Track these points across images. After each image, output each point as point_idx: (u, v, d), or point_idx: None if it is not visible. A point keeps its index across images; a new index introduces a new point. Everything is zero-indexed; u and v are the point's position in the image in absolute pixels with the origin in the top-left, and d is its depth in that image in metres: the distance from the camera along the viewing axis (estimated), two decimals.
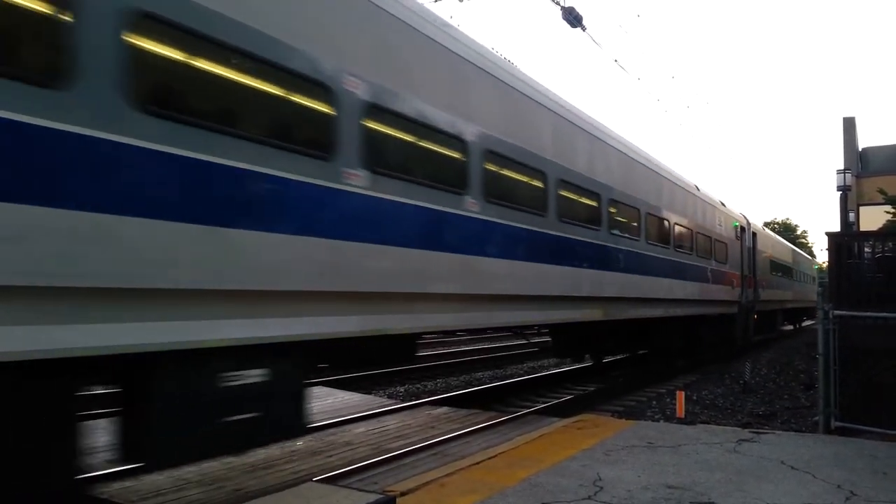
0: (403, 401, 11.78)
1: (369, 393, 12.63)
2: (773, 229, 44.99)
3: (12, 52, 3.65)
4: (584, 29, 13.80)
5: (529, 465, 5.95)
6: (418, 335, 7.63)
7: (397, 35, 6.47)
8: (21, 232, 3.49)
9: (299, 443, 8.46)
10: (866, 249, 10.74)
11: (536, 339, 14.50)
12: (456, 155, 7.24)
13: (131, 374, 4.41)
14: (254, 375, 4.96)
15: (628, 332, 13.35)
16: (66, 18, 3.74)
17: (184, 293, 4.39)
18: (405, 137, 6.63)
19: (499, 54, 9.06)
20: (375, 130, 6.03)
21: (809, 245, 74.32)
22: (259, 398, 5.00)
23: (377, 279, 6.00)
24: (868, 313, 8.74)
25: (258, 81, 4.99)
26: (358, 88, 5.78)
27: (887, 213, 16.42)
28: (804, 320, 40.07)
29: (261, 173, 4.82)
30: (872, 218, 20.75)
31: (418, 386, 14.53)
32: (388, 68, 6.24)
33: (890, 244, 10.61)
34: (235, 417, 4.82)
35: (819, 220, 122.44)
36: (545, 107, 9.29)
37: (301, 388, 5.58)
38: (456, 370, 16.93)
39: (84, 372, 4.11)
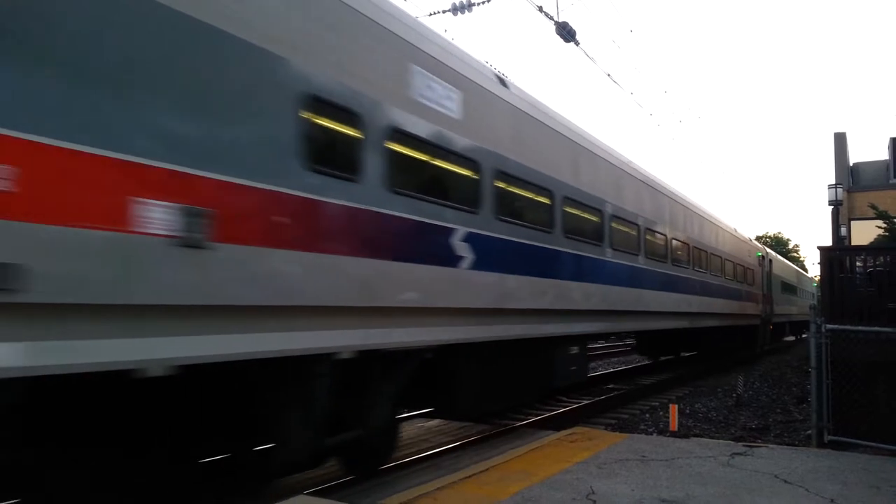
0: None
1: None
2: (764, 243, 46.19)
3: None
4: (577, 44, 13.89)
5: (522, 479, 5.91)
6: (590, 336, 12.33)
7: (628, 182, 12.79)
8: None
9: None
10: (858, 264, 10.79)
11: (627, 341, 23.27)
12: (634, 233, 12.86)
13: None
14: (574, 349, 10.68)
15: (687, 337, 18.29)
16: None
17: (576, 312, 10.13)
18: (623, 228, 12.21)
19: (493, 67, 9.28)
20: (614, 228, 11.68)
21: (801, 259, 74.74)
22: (576, 360, 10.80)
23: (619, 302, 11.68)
24: (860, 327, 8.76)
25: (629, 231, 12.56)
26: (608, 208, 11.53)
27: (878, 227, 16.52)
28: (804, 332, 40.67)
29: (627, 263, 11.96)
30: (864, 232, 20.88)
31: None
32: (619, 198, 12.09)
33: (881, 258, 10.65)
34: (572, 367, 10.61)
35: (811, 234, 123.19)
36: (667, 196, 15.24)
37: (587, 358, 11.82)
38: None
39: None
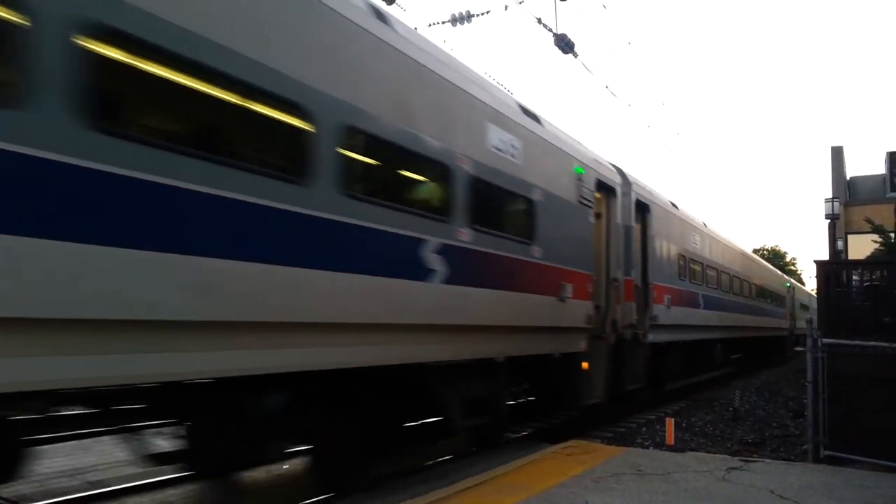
0: None
1: None
2: (762, 256, 48.06)
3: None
4: (575, 55, 13.96)
5: (518, 492, 5.89)
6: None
7: (747, 260, 25.76)
8: None
9: (285, 465, 8.36)
10: (854, 277, 10.80)
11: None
12: (744, 284, 23.64)
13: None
14: (719, 346, 20.36)
15: (740, 345, 24.35)
16: None
17: (720, 327, 19.74)
18: (739, 281, 22.79)
19: (492, 79, 9.37)
20: (742, 283, 23.53)
21: (798, 272, 74.82)
22: (720, 353, 20.64)
23: (735, 322, 21.47)
24: (856, 342, 8.76)
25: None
26: (739, 275, 23.37)
27: (875, 241, 16.53)
28: None
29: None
30: (860, 246, 20.91)
31: None
32: (741, 268, 23.54)
33: (878, 273, 10.67)
34: (719, 357, 20.83)
35: (808, 248, 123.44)
36: (756, 262, 27.94)
37: (722, 352, 21.05)
38: None
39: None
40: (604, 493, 5.91)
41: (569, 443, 8.62)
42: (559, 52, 13.97)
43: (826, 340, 8.65)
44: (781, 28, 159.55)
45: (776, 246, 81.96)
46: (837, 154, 30.15)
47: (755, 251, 54.39)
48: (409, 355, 6.33)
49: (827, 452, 8.22)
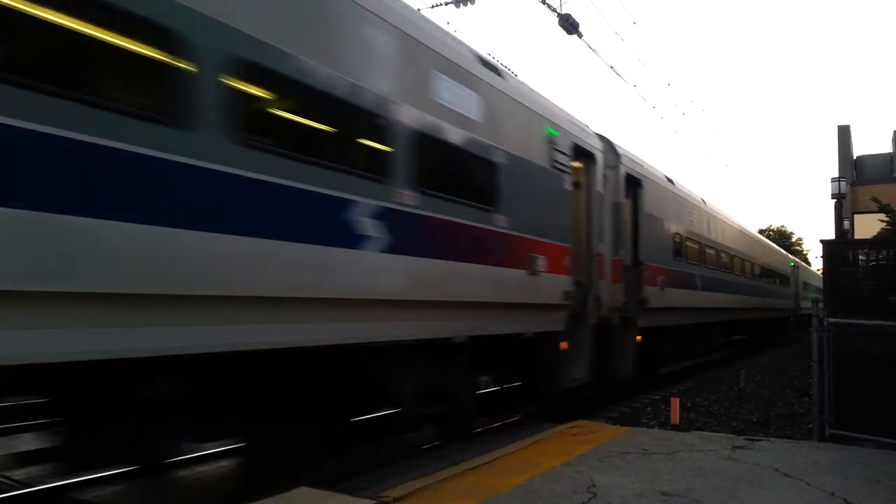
0: None
1: None
2: (767, 236, 48.36)
3: None
4: (580, 36, 13.85)
5: (524, 471, 5.93)
6: None
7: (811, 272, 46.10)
8: None
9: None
10: (861, 257, 10.77)
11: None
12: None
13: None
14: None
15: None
16: None
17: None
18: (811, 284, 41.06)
19: (496, 60, 9.23)
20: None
21: (804, 252, 74.56)
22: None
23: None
24: (862, 321, 8.74)
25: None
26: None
27: (881, 221, 16.44)
28: None
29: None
30: (867, 226, 20.84)
31: None
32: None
33: (884, 252, 10.63)
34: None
35: (814, 227, 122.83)
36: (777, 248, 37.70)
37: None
38: None
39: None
40: (609, 472, 5.94)
41: (574, 423, 8.66)
42: (564, 32, 13.87)
43: (832, 320, 8.63)
44: (789, 6, 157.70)
45: (782, 226, 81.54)
46: (844, 133, 29.91)
47: (761, 231, 54.60)
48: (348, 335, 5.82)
49: (832, 431, 8.23)
